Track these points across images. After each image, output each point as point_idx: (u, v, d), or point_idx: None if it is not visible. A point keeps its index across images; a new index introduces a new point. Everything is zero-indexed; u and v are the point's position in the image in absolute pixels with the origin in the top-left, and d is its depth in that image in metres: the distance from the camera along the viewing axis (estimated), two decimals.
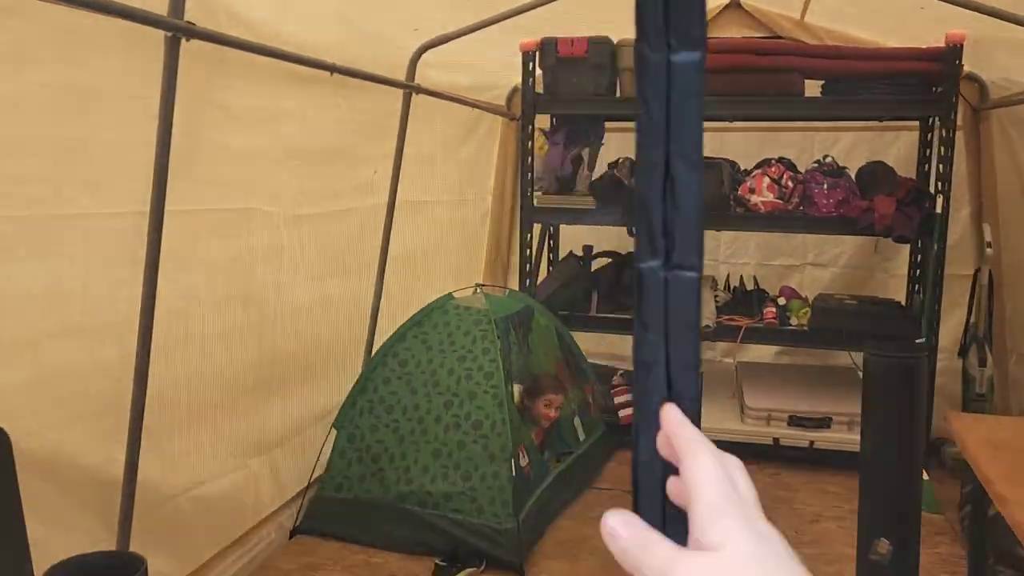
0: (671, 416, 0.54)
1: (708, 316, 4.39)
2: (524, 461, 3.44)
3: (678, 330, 0.55)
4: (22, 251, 1.94)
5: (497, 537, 3.20)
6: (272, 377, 3.17)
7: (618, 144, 4.95)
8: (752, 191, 4.17)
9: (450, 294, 3.84)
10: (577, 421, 4.15)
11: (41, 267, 2.02)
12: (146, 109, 2.22)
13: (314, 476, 3.53)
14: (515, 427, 3.45)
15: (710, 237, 5.35)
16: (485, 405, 3.40)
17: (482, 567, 3.17)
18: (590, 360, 4.97)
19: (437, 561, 3.10)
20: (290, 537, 3.42)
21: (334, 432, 3.56)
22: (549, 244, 5.31)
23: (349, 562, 3.24)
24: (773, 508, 3.81)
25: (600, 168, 4.64)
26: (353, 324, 3.82)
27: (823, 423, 4.26)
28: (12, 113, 1.91)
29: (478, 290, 3.94)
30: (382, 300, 4.03)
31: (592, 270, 4.86)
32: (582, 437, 4.14)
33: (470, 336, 3.60)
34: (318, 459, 3.53)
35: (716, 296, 4.56)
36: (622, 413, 4.66)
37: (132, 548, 2.50)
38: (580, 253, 4.95)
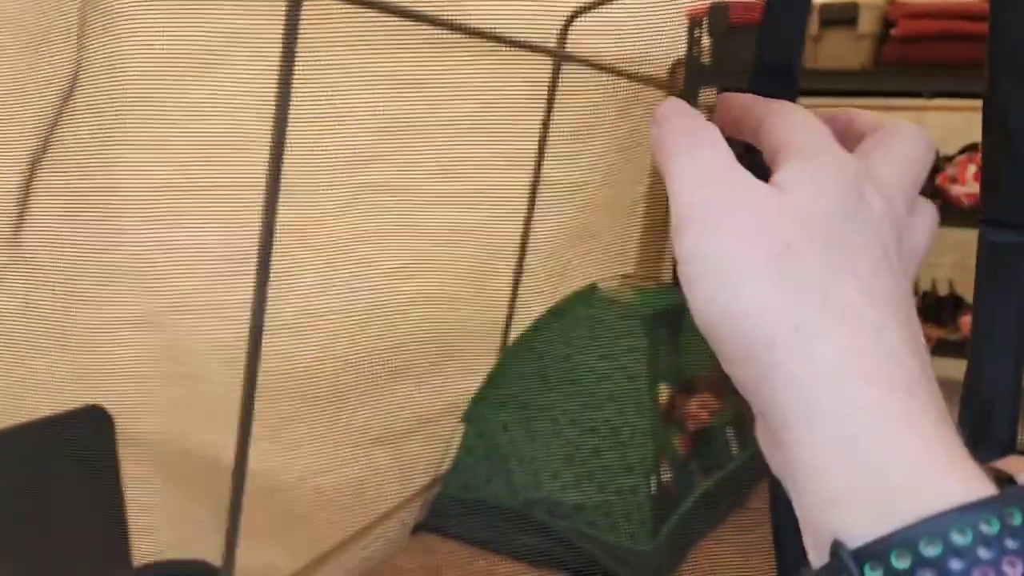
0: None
1: None
2: (667, 476, 3.08)
3: None
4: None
5: (631, 559, 2.87)
6: (401, 364, 2.97)
7: None
8: (954, 180, 3.57)
9: (594, 284, 3.52)
10: (730, 432, 3.73)
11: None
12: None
13: (441, 472, 3.33)
14: (658, 437, 3.09)
15: None
16: (626, 410, 3.07)
17: None
18: None
19: None
20: (412, 533, 3.24)
21: (463, 427, 3.34)
22: None
23: (472, 568, 3.01)
24: None
25: None
26: (487, 311, 3.57)
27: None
28: None
29: (626, 282, 3.60)
30: (520, 287, 3.76)
31: None
32: (735, 451, 3.71)
33: (614, 332, 3.27)
34: (445, 454, 3.33)
35: None
36: None
37: (242, 540, 2.37)
38: None
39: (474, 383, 3.34)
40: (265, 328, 2.22)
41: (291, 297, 2.34)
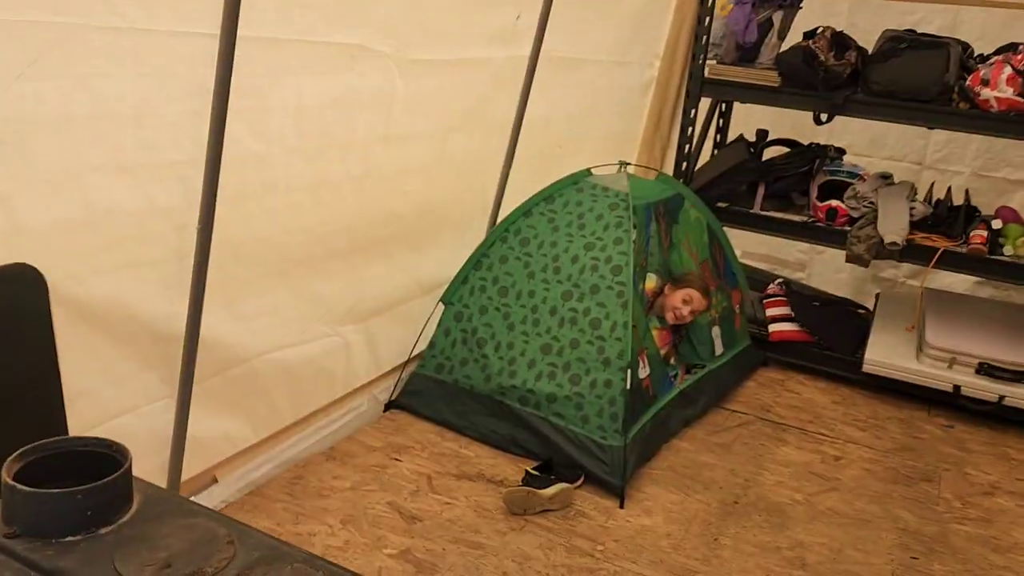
0: None
1: (897, 231, 3.66)
2: (644, 372, 3.00)
3: None
4: (56, 65, 1.62)
5: (600, 453, 2.82)
6: (374, 240, 2.84)
7: (821, 9, 4.13)
8: (986, 83, 3.31)
9: (588, 170, 3.34)
10: (716, 332, 3.63)
11: (83, 87, 1.70)
12: None
13: (416, 352, 3.26)
14: (639, 333, 3.00)
15: (917, 135, 4.48)
16: (607, 303, 2.95)
17: (578, 483, 2.82)
18: (743, 262, 4.38)
19: (529, 469, 2.77)
20: (384, 411, 3.20)
21: (441, 308, 3.25)
22: (718, 123, 4.62)
23: (438, 449, 2.98)
24: (938, 469, 3.20)
25: (793, 38, 3.86)
26: (476, 191, 3.41)
27: (1020, 377, 3.52)
28: None
29: (622, 169, 3.41)
30: (513, 168, 3.58)
31: (763, 159, 4.17)
32: (719, 351, 3.63)
33: (603, 221, 3.11)
34: (421, 334, 3.25)
35: (912, 208, 3.78)
36: (773, 328, 4.09)
37: (196, 408, 2.31)
38: (752, 138, 4.26)
39: (456, 264, 3.22)
40: (224, 194, 2.08)
41: (255, 163, 2.19)
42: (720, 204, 4.03)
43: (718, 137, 4.64)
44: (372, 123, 2.57)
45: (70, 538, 1.19)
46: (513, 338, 3.07)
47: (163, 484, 2.29)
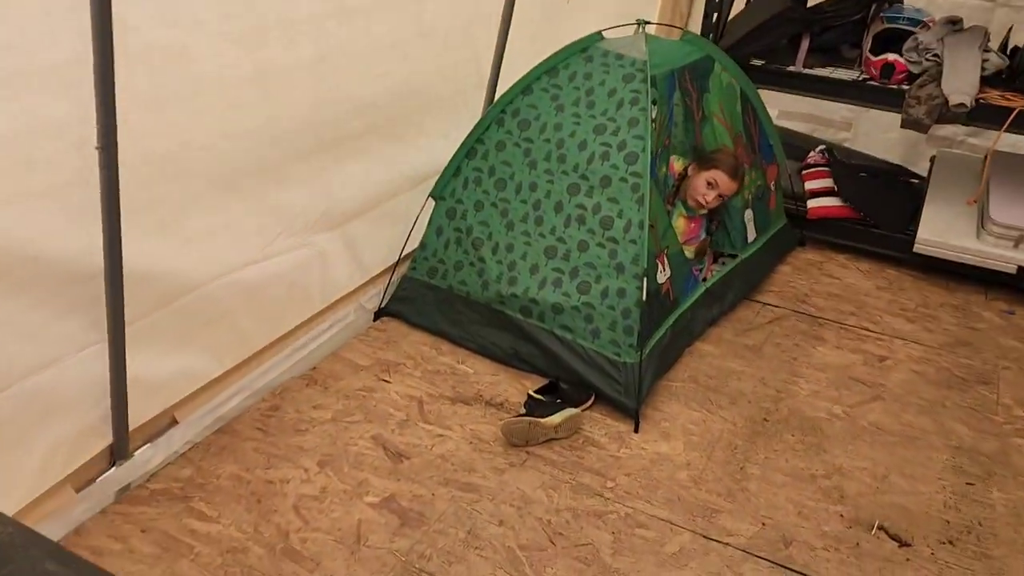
0: None
1: (965, 89, 3.13)
2: (663, 276, 2.61)
3: None
4: None
5: (612, 371, 2.49)
6: (344, 135, 2.42)
7: None
8: None
9: (599, 33, 2.82)
10: (749, 215, 3.20)
11: None
12: None
13: (406, 252, 2.90)
14: (659, 231, 2.59)
15: None
16: (620, 198, 2.53)
17: (588, 405, 2.51)
18: (780, 124, 3.86)
19: (531, 392, 2.46)
20: (374, 319, 2.88)
21: (431, 203, 2.84)
22: None
23: (432, 366, 2.67)
24: (997, 368, 2.83)
25: None
26: (468, 64, 2.92)
27: None
28: None
29: (640, 29, 2.88)
30: (512, 31, 3.07)
31: (807, 5, 3.57)
32: (751, 236, 3.21)
33: (616, 98, 2.64)
34: (410, 233, 2.87)
35: (985, 60, 3.22)
36: (812, 204, 3.64)
37: (142, 347, 2.00)
38: None
39: (448, 152, 2.79)
40: (135, 99, 1.66)
41: (169, 56, 1.75)
42: (756, 62, 3.49)
43: None
44: None
45: None
46: (513, 239, 2.68)
47: (108, 436, 2.01)
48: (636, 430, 2.45)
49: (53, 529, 1.90)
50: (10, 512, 1.79)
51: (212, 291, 2.19)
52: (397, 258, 2.89)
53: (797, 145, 3.88)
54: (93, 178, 1.69)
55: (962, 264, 3.31)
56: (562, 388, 2.51)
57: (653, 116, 2.63)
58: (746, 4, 3.74)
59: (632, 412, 2.46)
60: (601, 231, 2.54)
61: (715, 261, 3.15)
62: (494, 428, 2.40)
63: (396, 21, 2.40)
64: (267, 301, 2.41)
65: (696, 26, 3.62)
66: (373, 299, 2.90)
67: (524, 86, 2.76)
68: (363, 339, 2.80)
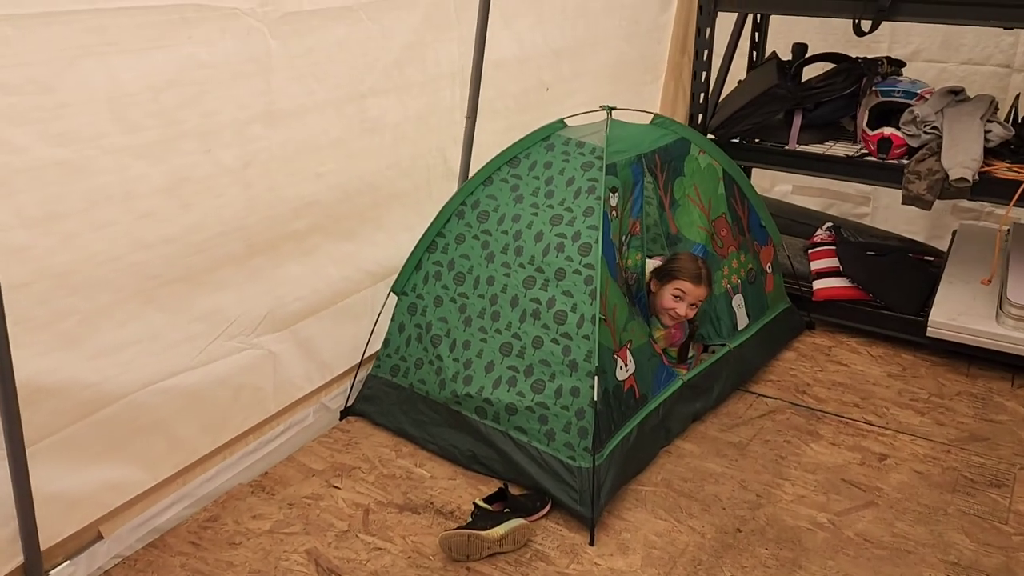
0: None
1: (966, 163, 2.92)
2: (625, 372, 2.46)
3: None
4: None
5: (567, 477, 2.33)
6: (283, 236, 2.38)
7: None
8: None
9: (562, 121, 2.74)
10: (738, 301, 3.03)
11: None
12: None
13: (371, 348, 2.82)
14: (618, 324, 2.45)
15: (1004, 30, 3.64)
16: (574, 291, 2.41)
17: (542, 513, 2.35)
18: (793, 200, 3.70)
19: (478, 501, 2.31)
20: (340, 419, 2.79)
21: (393, 299, 2.77)
22: (752, 40, 3.88)
23: (388, 470, 2.55)
24: (1013, 467, 2.55)
25: None
26: (431, 156, 2.88)
27: None
28: None
29: (610, 115, 2.79)
30: (489, 119, 3.03)
31: (801, 81, 3.44)
32: (742, 323, 3.03)
33: (573, 187, 2.54)
34: (373, 329, 2.79)
35: (988, 131, 3.02)
36: (817, 285, 3.44)
37: (53, 463, 1.95)
38: (787, 56, 3.52)
39: (409, 246, 2.73)
40: (27, 216, 1.65)
41: (62, 174, 1.74)
42: (743, 141, 3.36)
43: (754, 55, 3.90)
44: (241, 100, 2.07)
45: None
46: (470, 335, 2.58)
47: (19, 555, 1.95)
48: (591, 542, 2.26)
49: None
50: None
51: (141, 399, 2.14)
52: (361, 356, 2.81)
53: (807, 223, 3.70)
54: None
55: (984, 348, 3.05)
56: (511, 496, 2.35)
57: (613, 204, 2.52)
58: (738, 83, 3.63)
59: (587, 521, 2.28)
60: (555, 326, 2.42)
61: (704, 351, 2.98)
62: (437, 540, 2.25)
63: (333, 120, 2.37)
64: (210, 406, 2.35)
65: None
66: (338, 398, 2.82)
67: (485, 177, 2.69)
68: (324, 441, 2.71)
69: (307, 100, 2.25)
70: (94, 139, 1.79)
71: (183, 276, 2.12)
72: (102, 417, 2.06)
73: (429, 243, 2.72)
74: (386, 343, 2.77)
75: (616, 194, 2.55)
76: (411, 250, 2.73)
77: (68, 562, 2.07)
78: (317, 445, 2.68)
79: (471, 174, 3.02)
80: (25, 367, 1.80)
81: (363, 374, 2.83)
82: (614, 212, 2.54)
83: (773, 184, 4.38)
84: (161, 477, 2.27)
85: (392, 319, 2.77)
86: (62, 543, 2.06)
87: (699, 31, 3.40)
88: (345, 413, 2.82)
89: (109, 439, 2.09)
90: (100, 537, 2.15)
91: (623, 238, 2.66)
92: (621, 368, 2.45)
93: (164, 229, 2.02)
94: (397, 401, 2.73)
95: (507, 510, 2.29)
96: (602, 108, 2.77)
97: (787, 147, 3.37)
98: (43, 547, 1.98)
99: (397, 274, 2.75)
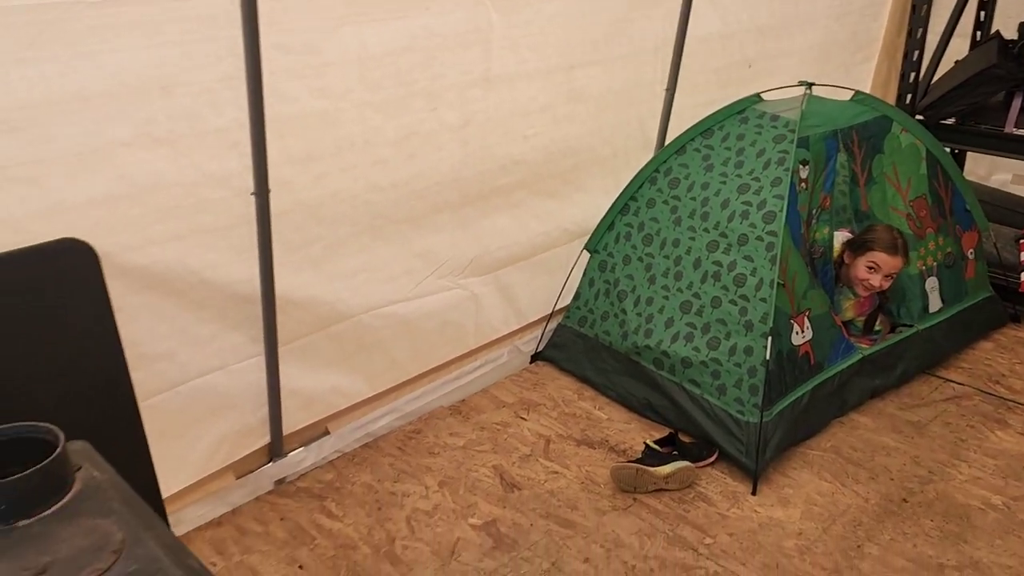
0: None
1: None
2: (800, 338, 2.54)
3: None
4: (55, 46, 1.64)
5: (736, 430, 2.47)
6: (492, 190, 2.67)
7: None
8: None
9: (758, 95, 2.84)
10: (932, 284, 2.99)
11: (92, 65, 1.71)
12: None
13: (562, 301, 3.07)
14: (797, 291, 2.53)
15: None
16: (755, 256, 2.53)
17: (709, 461, 2.50)
18: (1013, 189, 3.54)
19: (649, 442, 2.50)
20: (530, 362, 3.08)
21: (586, 256, 3.01)
22: (977, 19, 3.72)
23: (570, 409, 2.80)
24: None
25: None
26: (631, 126, 3.07)
27: None
28: None
29: (809, 90, 2.85)
30: (689, 93, 3.17)
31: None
32: (934, 307, 2.99)
33: (763, 158, 2.65)
34: (566, 283, 3.05)
35: None
36: None
37: (298, 364, 2.37)
38: (1014, 35, 3.36)
39: (605, 208, 2.95)
40: (290, 155, 2.04)
41: (320, 121, 2.12)
42: (956, 123, 3.27)
43: (977, 35, 3.74)
44: (464, 66, 2.37)
45: None
46: (653, 292, 2.77)
47: (267, 436, 2.39)
48: (753, 492, 2.40)
49: (214, 507, 2.30)
50: (177, 488, 2.22)
51: (365, 321, 2.52)
52: (553, 306, 3.08)
53: (1012, 211, 3.53)
54: (251, 219, 2.09)
55: None
56: (681, 442, 2.52)
57: (804, 176, 2.61)
58: (955, 63, 3.51)
59: (751, 472, 2.42)
60: (734, 288, 2.55)
61: (891, 330, 2.97)
62: (609, 471, 2.47)
63: (542, 87, 2.63)
64: (420, 335, 2.71)
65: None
66: (530, 343, 3.11)
67: (679, 146, 2.86)
68: (514, 379, 3.00)
69: (521, 68, 2.52)
70: (345, 94, 2.15)
71: (406, 217, 2.47)
72: (335, 331, 2.46)
73: (622, 206, 2.92)
74: (576, 296, 3.02)
75: (807, 167, 2.63)
76: (605, 211, 2.95)
77: (302, 448, 2.50)
78: (508, 382, 2.98)
79: (666, 144, 3.19)
80: (281, 281, 2.22)
81: (553, 324, 3.09)
82: (803, 184, 2.62)
83: (991, 172, 4.16)
84: (378, 390, 2.66)
85: (584, 274, 3.01)
86: (298, 432, 2.48)
87: (914, 8, 3.33)
88: (535, 357, 3.10)
89: (339, 351, 2.49)
90: (327, 432, 2.56)
91: (812, 211, 2.74)
92: (797, 333, 2.54)
93: (393, 175, 2.37)
94: (583, 349, 2.97)
95: (675, 453, 2.47)
96: (800, 83, 2.84)
97: (1004, 131, 3.24)
98: (284, 433, 2.42)
99: (591, 233, 2.99)
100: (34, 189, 1.73)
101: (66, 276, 1.80)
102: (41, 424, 1.36)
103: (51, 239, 1.75)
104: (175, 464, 2.19)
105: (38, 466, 1.27)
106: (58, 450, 1.31)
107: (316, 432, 2.55)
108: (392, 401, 2.71)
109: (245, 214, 2.09)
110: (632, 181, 2.91)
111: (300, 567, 2.12)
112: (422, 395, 2.79)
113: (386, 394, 2.70)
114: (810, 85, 2.84)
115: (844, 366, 2.69)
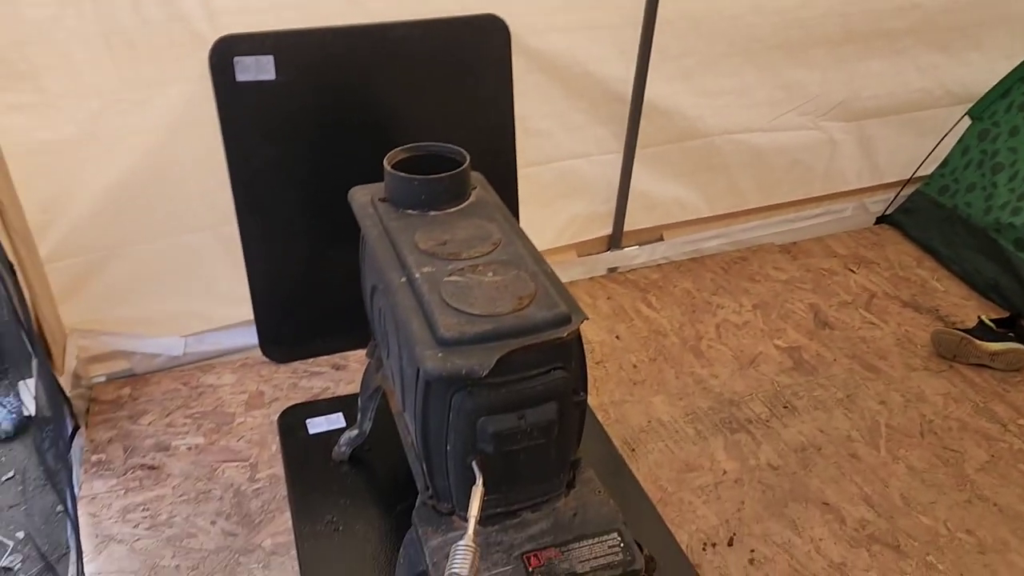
0: None
1: None
2: None
3: None
4: None
5: None
6: (879, 31, 2.58)
7: None
8: None
9: None
10: None
11: None
12: None
13: (923, 172, 2.93)
14: None
15: None
16: None
17: None
18: None
19: (984, 318, 2.39)
20: (875, 223, 3.03)
21: (966, 122, 2.81)
22: None
23: (903, 274, 2.74)
24: None
25: None
26: None
27: None
28: None
29: None
30: None
31: None
32: None
33: None
34: (934, 148, 2.89)
35: None
36: None
37: (647, 169, 2.59)
38: None
39: (1000, 73, 2.71)
40: None
41: None
42: None
43: None
44: None
45: (409, 212, 1.65)
46: None
47: (610, 227, 2.69)
48: None
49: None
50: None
51: (718, 143, 2.65)
52: (914, 171, 2.95)
53: None
54: (638, 22, 2.28)
55: None
56: (1021, 326, 2.39)
57: None
58: None
59: None
60: None
61: None
62: (930, 334, 2.44)
63: None
64: (767, 168, 2.78)
65: None
66: (878, 204, 3.03)
67: None
68: (853, 235, 2.98)
69: None
70: None
71: (781, 44, 2.50)
72: (688, 146, 2.63)
73: (1022, 71, 2.67)
74: (944, 163, 2.86)
75: None
76: (1001, 77, 2.71)
77: (637, 246, 2.76)
78: (846, 236, 2.97)
79: None
80: (652, 87, 2.41)
81: (908, 190, 2.98)
82: None
83: None
84: (716, 212, 2.81)
85: (959, 141, 2.83)
86: (635, 232, 2.74)
87: None
88: (881, 219, 3.03)
89: (689, 166, 2.67)
90: (661, 238, 2.80)
91: None
92: None
93: (779, 1, 2.40)
94: (936, 219, 2.84)
95: (1010, 335, 2.36)
96: None
97: None
98: (624, 229, 2.70)
99: (977, 99, 2.77)
100: None
101: (482, 46, 2.17)
102: (454, 146, 1.73)
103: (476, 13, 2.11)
104: (532, 232, 2.56)
105: (449, 172, 1.64)
106: (464, 165, 1.66)
107: (651, 236, 2.79)
108: (726, 226, 2.86)
109: (633, 16, 2.28)
110: None
111: (617, 337, 2.44)
112: (756, 228, 2.90)
113: (722, 217, 2.85)
114: None
115: None
